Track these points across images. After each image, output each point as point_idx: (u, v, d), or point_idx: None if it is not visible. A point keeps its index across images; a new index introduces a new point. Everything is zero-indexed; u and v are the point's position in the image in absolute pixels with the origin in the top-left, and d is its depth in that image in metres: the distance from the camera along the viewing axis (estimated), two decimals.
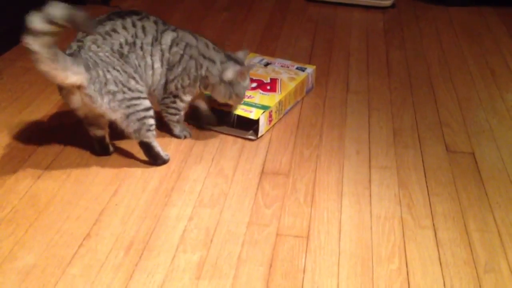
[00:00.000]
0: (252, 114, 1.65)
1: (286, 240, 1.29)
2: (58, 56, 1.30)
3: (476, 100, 1.87)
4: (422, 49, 2.24)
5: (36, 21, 1.23)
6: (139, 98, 1.46)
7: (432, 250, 1.27)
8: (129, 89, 1.44)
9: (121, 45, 1.46)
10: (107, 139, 1.56)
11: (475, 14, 2.58)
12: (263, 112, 1.65)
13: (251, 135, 1.67)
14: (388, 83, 1.98)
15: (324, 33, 2.38)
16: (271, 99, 1.71)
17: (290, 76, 1.84)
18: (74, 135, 1.64)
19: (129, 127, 1.46)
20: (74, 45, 1.43)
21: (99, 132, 1.53)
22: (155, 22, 1.55)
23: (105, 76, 1.40)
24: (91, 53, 1.41)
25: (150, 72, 1.54)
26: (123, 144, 1.61)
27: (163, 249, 1.25)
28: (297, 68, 1.90)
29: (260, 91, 1.76)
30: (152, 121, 1.48)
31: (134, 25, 1.50)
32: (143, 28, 1.51)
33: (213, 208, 1.38)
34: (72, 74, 1.34)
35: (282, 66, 1.91)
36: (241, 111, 1.66)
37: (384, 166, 1.54)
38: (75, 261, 1.22)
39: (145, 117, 1.46)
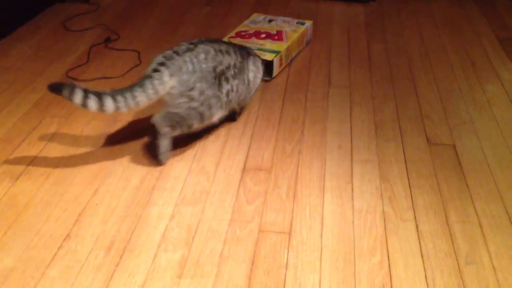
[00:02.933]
0: (266, 56, 1.96)
1: (268, 236, 1.29)
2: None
3: (456, 91, 1.88)
4: (403, 42, 2.24)
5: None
6: (204, 115, 1.54)
7: (414, 242, 1.27)
8: (207, 105, 1.53)
9: (228, 67, 1.58)
10: None
11: (456, 7, 2.59)
12: (276, 55, 1.97)
13: (266, 76, 1.94)
14: (370, 77, 1.98)
15: None
16: (280, 46, 2.04)
17: (292, 29, 2.18)
18: (54, 134, 1.62)
19: (173, 120, 1.51)
20: (183, 46, 1.53)
21: None
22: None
23: (195, 84, 1.49)
24: (195, 60, 1.50)
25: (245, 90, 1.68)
26: (104, 143, 1.60)
27: (144, 249, 1.24)
28: (297, 23, 2.24)
29: (270, 40, 2.09)
30: (186, 132, 1.56)
31: (235, 53, 1.64)
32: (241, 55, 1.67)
33: (195, 206, 1.37)
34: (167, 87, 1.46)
35: (284, 21, 2.25)
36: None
37: (366, 160, 1.54)
38: (54, 263, 1.20)
39: (191, 126, 1.54)
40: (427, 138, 1.63)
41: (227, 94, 1.58)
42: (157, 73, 1.44)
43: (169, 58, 1.48)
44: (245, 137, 1.65)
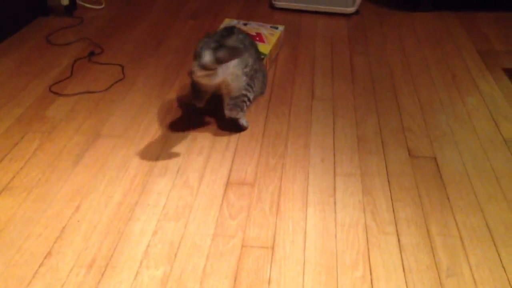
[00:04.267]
0: None
1: (251, 251, 1.29)
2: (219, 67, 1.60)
3: (437, 104, 1.90)
4: (385, 55, 2.27)
5: (197, 72, 1.59)
6: (251, 88, 1.76)
7: (396, 256, 1.28)
8: (254, 71, 1.76)
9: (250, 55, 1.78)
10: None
11: (437, 20, 2.63)
12: (263, 58, 2.02)
13: None
14: (352, 89, 2.01)
15: (289, 40, 2.40)
16: (264, 48, 2.09)
17: (269, 33, 2.23)
18: (36, 150, 1.61)
19: (238, 102, 1.72)
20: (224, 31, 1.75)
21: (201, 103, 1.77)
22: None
23: (247, 60, 1.72)
24: (241, 36, 1.77)
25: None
26: (86, 158, 1.59)
27: (126, 266, 1.23)
28: (271, 27, 2.29)
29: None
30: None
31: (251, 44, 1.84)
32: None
33: (177, 222, 1.37)
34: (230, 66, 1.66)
35: (258, 25, 2.30)
36: None
37: (348, 173, 1.56)
38: (35, 281, 1.19)
39: (250, 99, 1.77)
40: (408, 151, 1.65)
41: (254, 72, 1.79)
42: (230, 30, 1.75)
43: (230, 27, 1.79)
44: (228, 151, 1.65)
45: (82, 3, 2.76)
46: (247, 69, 1.71)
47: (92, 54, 2.27)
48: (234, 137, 1.72)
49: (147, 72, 2.13)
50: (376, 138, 1.71)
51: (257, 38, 2.15)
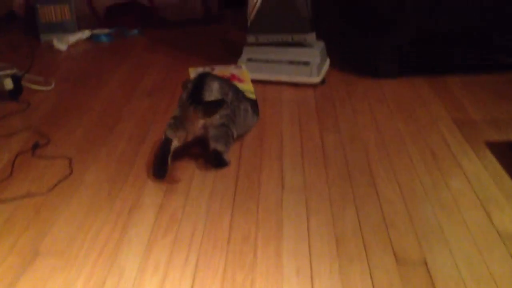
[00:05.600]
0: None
1: None
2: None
3: (420, 190, 1.73)
4: (357, 130, 2.11)
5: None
6: (234, 122, 1.94)
7: None
8: (233, 113, 1.94)
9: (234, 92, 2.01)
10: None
11: (406, 86, 2.50)
12: (253, 94, 2.18)
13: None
14: (326, 176, 1.82)
15: None
16: (247, 86, 2.18)
17: (239, 72, 2.29)
18: None
19: (222, 135, 1.87)
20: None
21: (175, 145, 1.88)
22: None
23: (228, 90, 1.94)
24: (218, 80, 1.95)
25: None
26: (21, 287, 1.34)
27: None
28: (235, 67, 2.37)
29: (235, 82, 2.15)
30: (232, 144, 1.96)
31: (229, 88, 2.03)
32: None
33: None
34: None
35: (224, 67, 2.35)
36: None
37: None
38: None
39: (233, 134, 1.94)
40: (395, 255, 1.44)
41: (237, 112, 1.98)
42: (203, 78, 1.88)
43: (203, 73, 1.95)
44: (188, 266, 1.42)
45: (29, 85, 2.56)
46: (228, 98, 1.88)
47: (36, 146, 2.04)
48: (195, 246, 1.50)
49: (98, 166, 1.91)
50: (356, 239, 1.51)
51: (236, 79, 2.25)
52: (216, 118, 1.85)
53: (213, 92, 1.86)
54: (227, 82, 2.01)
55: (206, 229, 1.58)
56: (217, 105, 1.81)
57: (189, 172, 1.87)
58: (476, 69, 2.57)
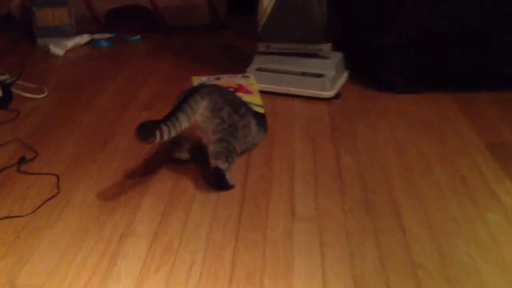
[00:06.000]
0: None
1: None
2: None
3: (450, 223, 1.51)
4: (377, 151, 1.90)
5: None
6: (235, 136, 1.74)
7: None
8: (234, 128, 1.74)
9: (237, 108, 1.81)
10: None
11: (429, 103, 2.28)
12: (262, 107, 1.96)
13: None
14: (342, 202, 1.61)
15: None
16: (255, 99, 2.00)
17: (247, 82, 2.10)
18: None
19: (223, 150, 1.69)
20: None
21: (184, 155, 1.82)
22: None
23: (223, 105, 1.71)
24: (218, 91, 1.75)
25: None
26: None
27: None
28: (242, 77, 2.16)
29: (240, 93, 1.97)
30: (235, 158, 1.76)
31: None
32: None
33: None
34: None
35: (230, 77, 2.15)
36: None
37: None
38: None
39: (236, 149, 1.74)
40: None
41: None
42: (190, 96, 1.67)
43: (197, 87, 1.74)
44: None
45: (20, 93, 2.38)
46: (223, 113, 1.70)
47: (22, 160, 1.86)
48: (192, 282, 1.30)
49: (87, 185, 1.72)
50: (378, 280, 1.30)
51: (243, 90, 2.07)
52: (210, 134, 1.70)
53: (200, 110, 1.67)
54: (227, 96, 1.78)
55: (206, 263, 1.37)
56: (153, 126, 1.60)
57: (188, 195, 1.67)
58: (507, 85, 2.36)
